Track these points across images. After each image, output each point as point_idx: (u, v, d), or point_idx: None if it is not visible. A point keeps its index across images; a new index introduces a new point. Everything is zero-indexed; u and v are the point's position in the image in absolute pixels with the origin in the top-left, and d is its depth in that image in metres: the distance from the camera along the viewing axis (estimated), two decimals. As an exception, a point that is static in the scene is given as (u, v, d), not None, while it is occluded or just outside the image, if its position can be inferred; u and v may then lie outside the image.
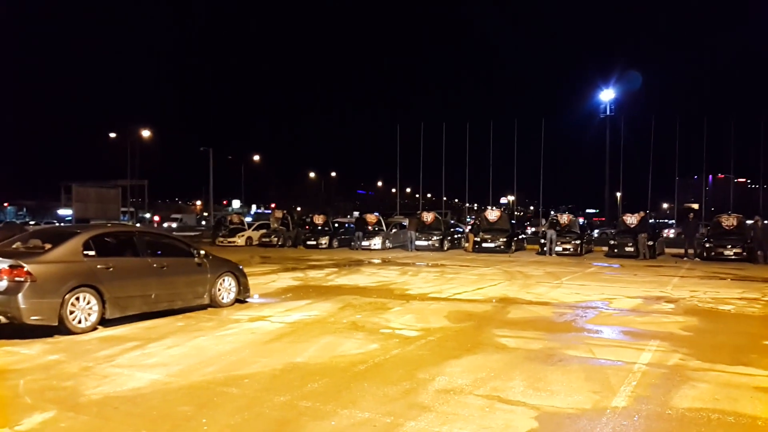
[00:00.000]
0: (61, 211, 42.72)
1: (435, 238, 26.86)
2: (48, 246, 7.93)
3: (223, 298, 9.93)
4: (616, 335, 8.19)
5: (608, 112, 45.87)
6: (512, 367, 6.17)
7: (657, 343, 7.44)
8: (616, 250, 23.40)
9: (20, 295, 7.14)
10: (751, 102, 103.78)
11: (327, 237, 28.53)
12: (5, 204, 59.86)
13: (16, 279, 7.19)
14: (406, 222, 30.18)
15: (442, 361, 6.38)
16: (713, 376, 5.95)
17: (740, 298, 11.80)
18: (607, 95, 46.07)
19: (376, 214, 30.08)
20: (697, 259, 22.21)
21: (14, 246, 8.28)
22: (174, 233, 24.68)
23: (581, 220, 29.63)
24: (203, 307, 9.64)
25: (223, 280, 9.98)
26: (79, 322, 7.65)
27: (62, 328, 7.48)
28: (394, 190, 63.33)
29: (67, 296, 7.49)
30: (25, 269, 7.25)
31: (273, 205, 63.24)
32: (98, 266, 8.04)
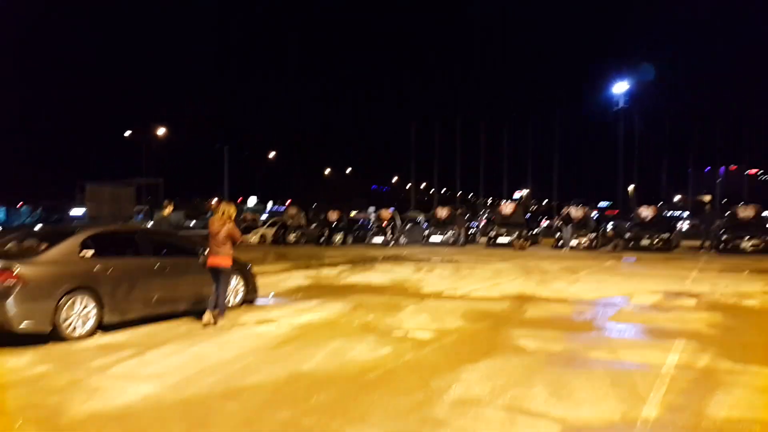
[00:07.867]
0: (74, 211, 42.54)
1: (450, 233, 26.59)
2: (44, 246, 7.58)
3: (229, 301, 9.57)
4: (640, 334, 7.84)
5: (621, 105, 45.33)
6: (533, 373, 5.78)
7: (683, 342, 7.01)
8: (631, 244, 23.00)
9: (9, 300, 6.68)
10: (765, 93, 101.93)
11: (341, 233, 28.23)
12: (19, 204, 59.65)
13: (5, 283, 6.76)
14: (420, 218, 29.87)
15: (458, 366, 5.98)
16: (747, 379, 5.58)
17: (763, 292, 11.43)
18: (620, 87, 45.56)
19: (391, 209, 29.79)
20: (713, 251, 21.75)
21: (8, 246, 7.93)
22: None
23: (594, 213, 29.25)
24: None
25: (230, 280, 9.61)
26: (75, 328, 7.20)
27: (57, 335, 7.06)
28: (408, 186, 63.04)
29: (62, 300, 7.06)
30: (15, 272, 6.81)
31: (288, 202, 63.00)
32: (96, 267, 7.66)
